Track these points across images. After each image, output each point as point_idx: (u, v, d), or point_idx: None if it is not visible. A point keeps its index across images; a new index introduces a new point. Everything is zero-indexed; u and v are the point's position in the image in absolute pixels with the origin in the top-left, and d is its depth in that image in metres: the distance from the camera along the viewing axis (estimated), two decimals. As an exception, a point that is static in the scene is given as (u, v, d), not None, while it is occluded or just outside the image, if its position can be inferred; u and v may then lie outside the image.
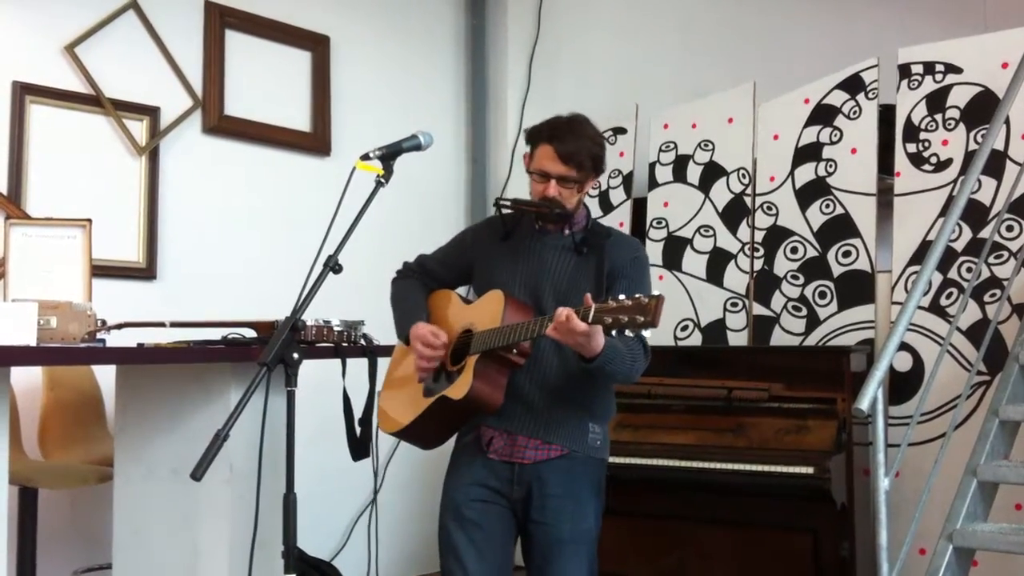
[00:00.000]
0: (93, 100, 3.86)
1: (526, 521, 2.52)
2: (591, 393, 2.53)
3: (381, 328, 2.89)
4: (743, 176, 4.43)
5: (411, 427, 2.59)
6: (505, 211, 2.63)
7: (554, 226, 2.58)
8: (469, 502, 2.52)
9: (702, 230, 4.50)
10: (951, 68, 3.96)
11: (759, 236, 4.34)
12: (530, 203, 2.55)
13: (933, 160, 3.95)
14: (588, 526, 2.52)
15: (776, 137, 4.37)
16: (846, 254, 4.10)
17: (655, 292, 2.08)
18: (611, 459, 3.64)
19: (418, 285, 2.76)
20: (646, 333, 2.08)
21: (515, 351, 2.37)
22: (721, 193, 4.47)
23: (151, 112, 4.01)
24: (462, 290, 2.77)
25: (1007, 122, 3.71)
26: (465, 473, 2.57)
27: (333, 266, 2.30)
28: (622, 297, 2.08)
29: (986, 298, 3.73)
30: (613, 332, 2.09)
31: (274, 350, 2.17)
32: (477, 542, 2.51)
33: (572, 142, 2.47)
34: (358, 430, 2.90)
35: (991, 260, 3.72)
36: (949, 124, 3.93)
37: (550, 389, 2.49)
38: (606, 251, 2.52)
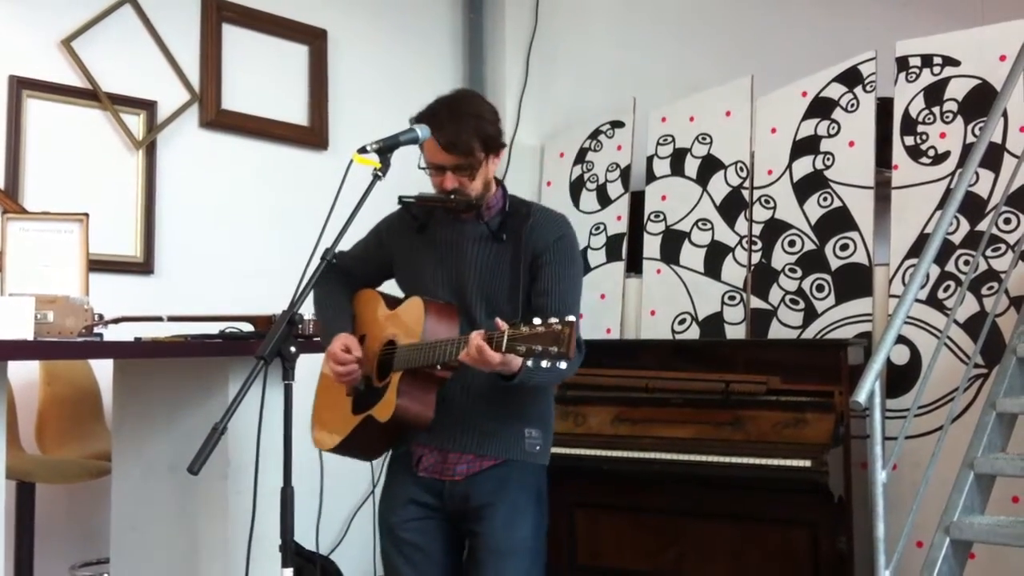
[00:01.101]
0: (90, 94, 3.85)
1: (463, 531, 2.46)
2: (526, 398, 2.43)
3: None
4: (741, 169, 4.42)
5: (343, 445, 2.52)
6: (410, 207, 2.52)
7: (467, 214, 2.46)
8: (404, 523, 2.47)
9: (700, 223, 4.50)
10: (949, 61, 3.96)
11: (757, 229, 4.34)
12: (434, 198, 2.43)
13: (931, 153, 3.95)
14: (524, 535, 2.42)
15: (774, 130, 4.36)
16: (844, 247, 4.10)
17: (569, 318, 1.97)
18: (610, 453, 3.72)
19: (339, 288, 2.65)
20: (561, 364, 1.97)
21: (439, 367, 2.28)
22: (719, 186, 4.47)
23: (148, 106, 4.01)
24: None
25: (1005, 115, 3.71)
26: (398, 492, 2.51)
27: (331, 260, 2.30)
28: (536, 321, 1.99)
29: (983, 291, 3.73)
30: (529, 362, 2.00)
31: (271, 344, 2.17)
32: (417, 563, 2.46)
33: (452, 129, 2.34)
34: (355, 424, 2.89)
35: (989, 253, 3.72)
36: (947, 117, 3.93)
37: (480, 398, 2.39)
38: (524, 236, 2.40)
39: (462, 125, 2.34)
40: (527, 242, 2.40)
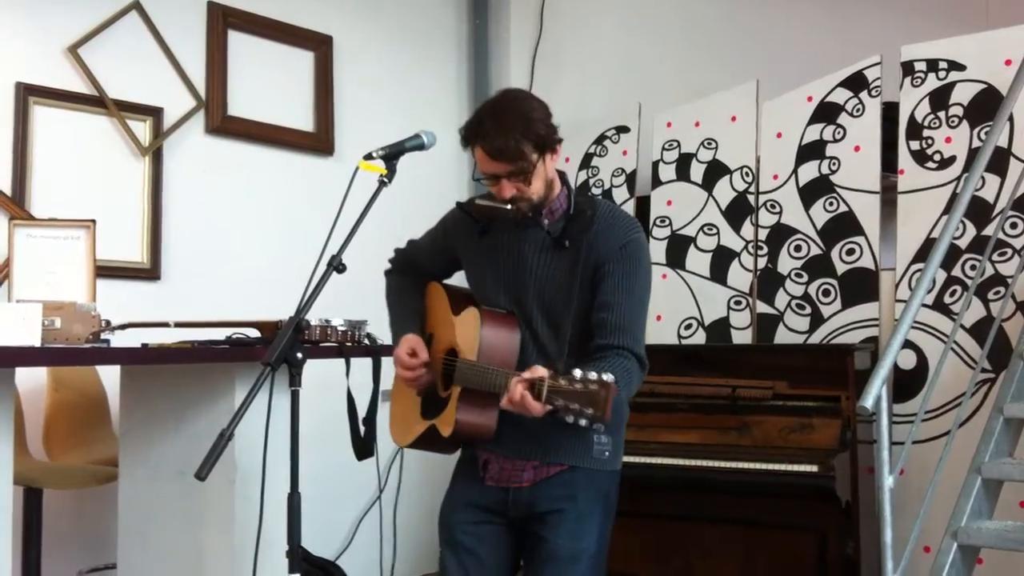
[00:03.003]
0: (96, 101, 3.86)
1: (524, 532, 2.41)
2: None
3: (384, 328, 2.88)
4: (746, 174, 4.42)
5: (413, 446, 2.54)
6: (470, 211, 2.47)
7: (529, 220, 2.36)
8: (463, 525, 2.43)
9: (705, 228, 4.49)
10: (954, 65, 3.95)
11: (762, 234, 4.34)
12: (493, 207, 2.34)
13: (936, 157, 3.94)
14: (587, 545, 2.35)
15: (779, 135, 4.36)
16: (850, 252, 4.10)
17: (607, 377, 1.92)
18: (615, 458, 3.71)
19: (411, 283, 2.65)
20: (597, 427, 1.97)
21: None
22: (724, 191, 4.47)
23: (154, 113, 4.02)
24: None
25: (1011, 119, 3.70)
26: (460, 493, 2.48)
27: (337, 266, 2.29)
28: (577, 373, 1.95)
29: (990, 295, 3.72)
30: (568, 419, 1.96)
31: (278, 350, 2.17)
32: (468, 568, 2.41)
33: (499, 135, 2.22)
34: (362, 430, 2.88)
35: (995, 257, 3.71)
36: (952, 121, 3.93)
37: None
38: (586, 245, 2.30)
39: (509, 130, 2.22)
40: (590, 251, 2.30)
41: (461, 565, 2.42)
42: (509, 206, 2.30)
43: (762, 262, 4.32)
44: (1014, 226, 3.71)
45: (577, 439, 2.34)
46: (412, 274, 2.67)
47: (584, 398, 1.93)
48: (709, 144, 4.56)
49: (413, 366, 2.43)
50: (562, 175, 2.41)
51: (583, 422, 1.95)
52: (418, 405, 2.52)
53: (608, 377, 1.93)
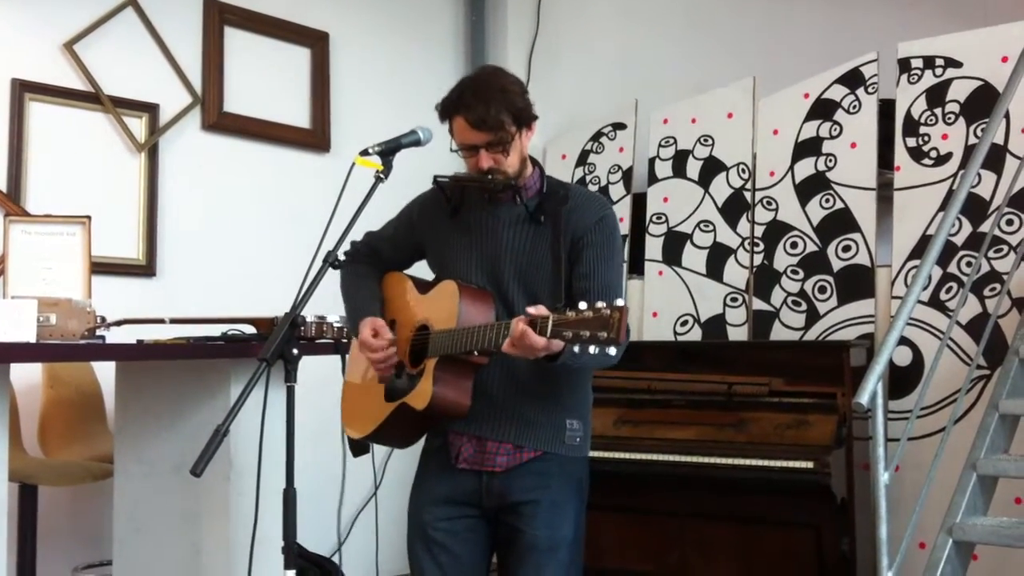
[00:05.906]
0: (92, 97, 3.86)
1: (499, 524, 2.38)
2: (565, 386, 2.36)
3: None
4: (743, 171, 4.42)
5: (376, 433, 2.46)
6: (444, 188, 2.45)
7: (504, 195, 2.37)
8: (435, 522, 2.39)
9: (702, 225, 4.49)
10: (951, 62, 3.95)
11: (759, 231, 4.34)
12: (471, 178, 2.35)
13: (933, 154, 3.94)
14: (564, 533, 2.35)
15: (776, 132, 4.36)
16: (846, 249, 4.10)
17: (619, 302, 1.88)
18: (612, 455, 3.72)
19: (368, 271, 2.60)
20: (610, 350, 1.89)
21: (476, 353, 2.19)
22: (721, 188, 4.47)
23: (150, 109, 4.01)
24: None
25: (1007, 116, 3.70)
26: (432, 488, 2.43)
27: (333, 262, 2.29)
28: (583, 306, 1.90)
29: (986, 292, 3.72)
30: (576, 348, 1.91)
31: (274, 346, 2.17)
32: (444, 566, 2.38)
33: (481, 106, 2.25)
34: (358, 426, 2.88)
35: (991, 254, 3.72)
36: (949, 118, 3.93)
37: (519, 386, 2.31)
38: (563, 218, 2.32)
39: (490, 100, 2.25)
40: (566, 225, 2.32)
41: (436, 563, 2.39)
42: (489, 176, 2.30)
43: (758, 259, 4.32)
44: (1010, 223, 3.71)
45: (549, 425, 2.34)
46: (370, 263, 2.61)
47: (595, 323, 1.88)
48: (706, 141, 4.56)
49: (381, 347, 2.37)
50: (533, 158, 2.44)
51: (593, 349, 1.89)
52: (380, 392, 2.45)
53: (619, 302, 1.89)
